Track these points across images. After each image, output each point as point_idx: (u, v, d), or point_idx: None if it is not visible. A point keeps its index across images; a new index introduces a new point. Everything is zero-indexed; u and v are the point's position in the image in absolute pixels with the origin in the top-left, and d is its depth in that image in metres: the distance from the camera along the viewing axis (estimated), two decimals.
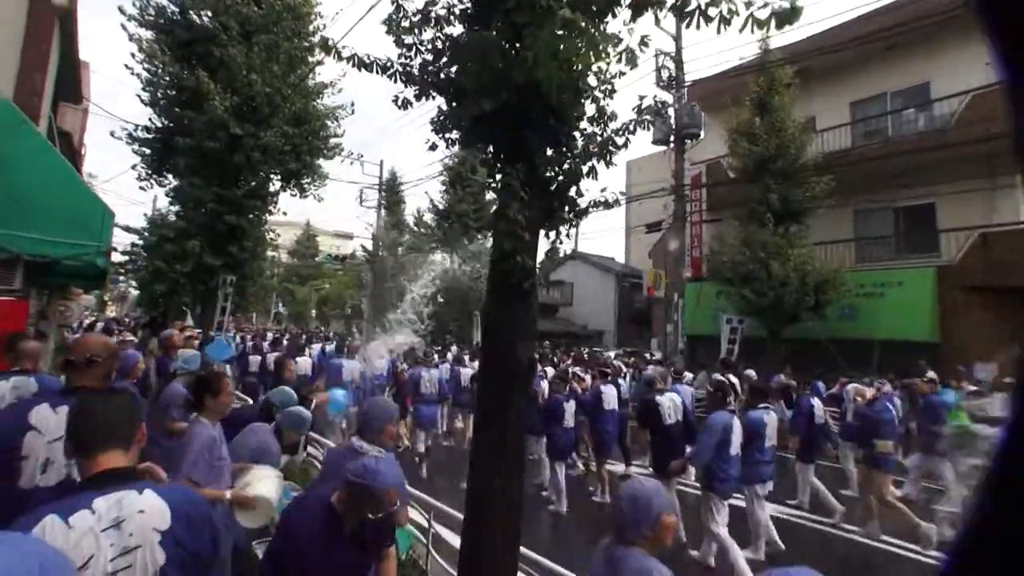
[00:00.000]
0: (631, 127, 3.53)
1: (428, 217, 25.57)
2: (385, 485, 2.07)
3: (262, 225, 12.47)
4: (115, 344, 3.54)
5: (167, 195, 12.32)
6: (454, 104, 3.61)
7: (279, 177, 12.17)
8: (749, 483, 5.26)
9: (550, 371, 10.03)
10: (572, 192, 3.56)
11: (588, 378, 8.26)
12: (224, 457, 3.03)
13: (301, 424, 4.79)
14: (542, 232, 3.45)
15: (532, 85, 3.06)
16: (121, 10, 11.06)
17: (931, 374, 10.69)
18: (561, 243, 3.75)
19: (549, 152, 3.47)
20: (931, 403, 7.55)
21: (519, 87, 3.08)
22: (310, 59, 12.31)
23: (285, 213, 12.89)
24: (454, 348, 18.14)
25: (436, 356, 11.52)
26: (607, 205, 3.88)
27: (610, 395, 7.25)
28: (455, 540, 3.75)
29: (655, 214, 34.05)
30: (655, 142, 17.91)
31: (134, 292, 33.63)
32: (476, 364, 10.34)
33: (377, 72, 3.58)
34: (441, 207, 24.97)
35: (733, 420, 5.06)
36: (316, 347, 11.62)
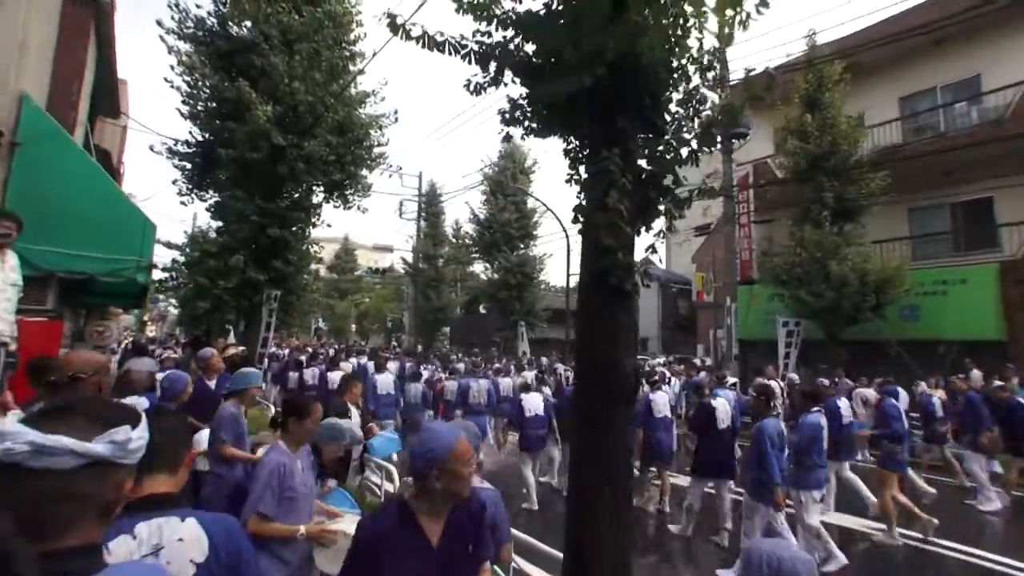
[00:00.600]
0: (740, 106, 2.99)
1: (469, 227, 25.02)
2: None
3: (306, 238, 12.04)
4: (103, 359, 3.25)
5: (208, 210, 12.04)
6: (533, 86, 3.09)
7: (322, 188, 11.73)
8: (804, 488, 5.14)
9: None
10: (669, 181, 3.02)
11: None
12: (299, 488, 2.70)
13: (338, 435, 4.11)
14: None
15: (630, 58, 2.59)
16: (159, 23, 10.86)
17: (976, 372, 11.13)
18: (664, 237, 3.16)
19: (642, 137, 2.98)
20: (972, 401, 7.93)
21: (613, 64, 2.56)
22: (351, 68, 11.90)
23: (329, 225, 12.49)
24: (501, 360, 17.44)
25: (484, 366, 11.41)
26: (711, 193, 3.57)
27: (660, 402, 7.19)
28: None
29: (694, 218, 33.02)
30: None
31: (173, 311, 34.22)
32: (525, 375, 10.03)
33: (449, 52, 3.02)
34: (482, 217, 24.39)
35: (781, 425, 5.05)
36: (352, 360, 11.26)
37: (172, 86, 11.02)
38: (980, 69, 13.88)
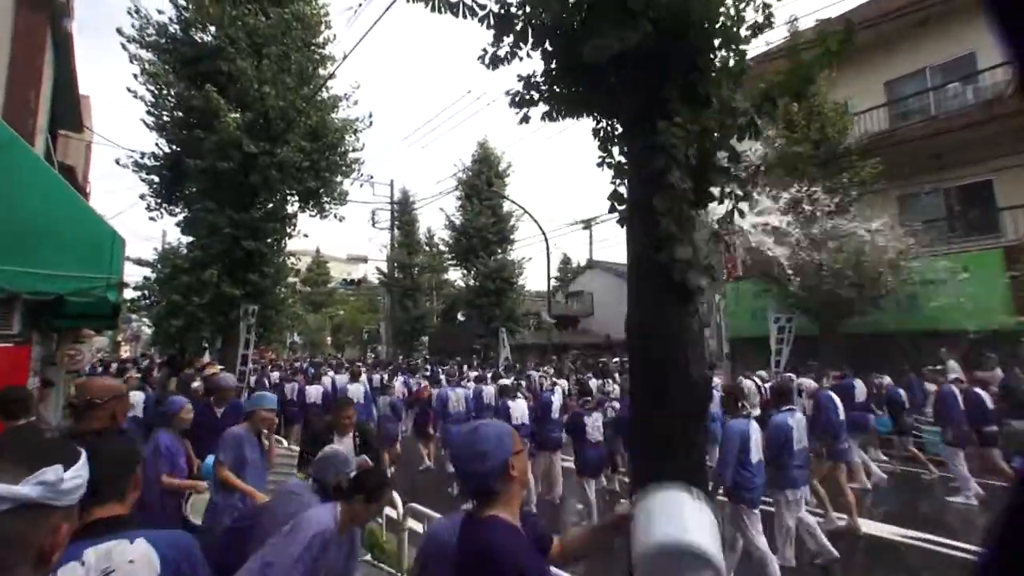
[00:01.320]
0: (808, 66, 2.70)
1: (445, 234, 24.71)
2: None
3: (282, 250, 11.62)
4: (121, 386, 3.15)
5: (177, 225, 11.52)
6: (562, 54, 2.82)
7: (296, 198, 11.34)
8: (779, 488, 5.09)
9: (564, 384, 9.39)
10: (723, 158, 2.74)
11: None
12: (333, 568, 2.32)
13: (340, 465, 3.88)
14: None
15: (678, 16, 2.35)
16: (120, 31, 10.38)
17: (952, 363, 10.80)
18: (729, 223, 2.88)
19: (689, 108, 2.66)
20: (943, 394, 8.00)
21: (657, 21, 2.32)
22: (321, 72, 11.57)
23: (306, 235, 12.08)
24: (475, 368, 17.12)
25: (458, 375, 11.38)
26: (779, 170, 3.35)
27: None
28: None
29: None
30: None
31: (147, 331, 33.01)
32: (502, 383, 9.51)
33: (465, 15, 2.73)
34: (457, 223, 24.11)
35: (750, 425, 4.84)
36: (330, 375, 11.05)
37: (136, 96, 10.53)
38: (974, 47, 13.47)
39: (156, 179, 11.26)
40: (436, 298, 31.64)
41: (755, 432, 4.84)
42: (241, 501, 3.81)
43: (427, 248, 30.78)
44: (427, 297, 29.77)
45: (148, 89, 10.41)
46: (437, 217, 56.65)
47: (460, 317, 28.95)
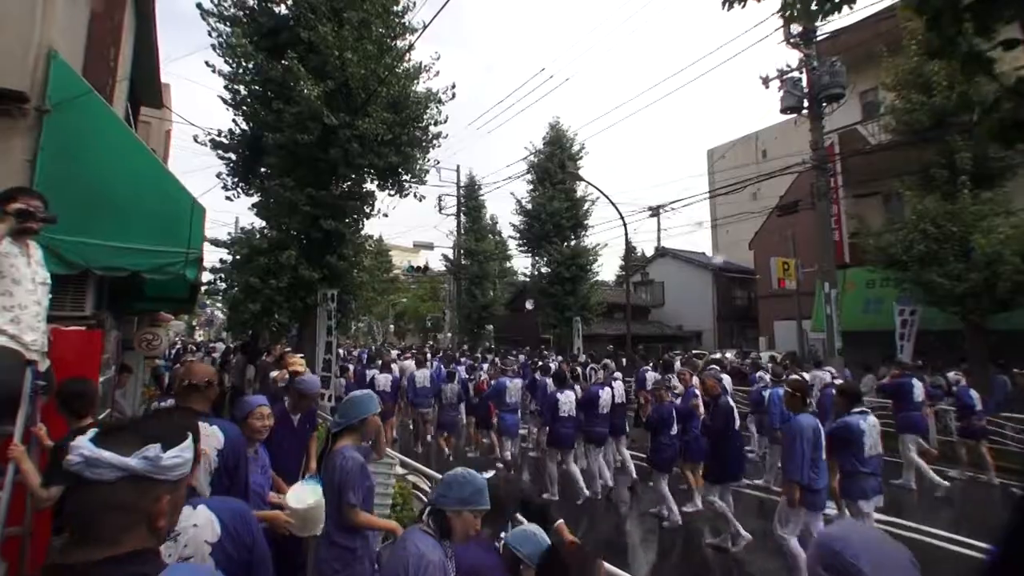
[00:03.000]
0: None
1: (516, 219, 23.75)
2: None
3: (359, 231, 10.93)
4: (213, 371, 3.03)
5: (251, 208, 11.02)
6: None
7: (374, 174, 10.60)
8: (851, 498, 4.87)
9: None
10: None
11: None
12: None
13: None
14: None
15: None
16: (199, 6, 9.87)
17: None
18: None
19: None
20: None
21: None
22: (399, 44, 10.74)
23: (386, 215, 11.32)
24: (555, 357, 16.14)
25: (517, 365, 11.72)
26: None
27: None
28: None
29: (738, 205, 31.19)
30: (785, 110, 15.24)
31: (219, 315, 33.86)
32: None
33: None
34: (529, 207, 23.10)
35: (817, 423, 4.78)
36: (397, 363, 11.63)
37: (214, 70, 10.02)
38: None
39: (233, 157, 10.77)
40: (498, 287, 30.84)
41: (821, 432, 4.75)
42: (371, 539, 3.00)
43: (491, 236, 30.01)
44: (494, 285, 29.01)
45: (226, 62, 9.86)
46: (504, 203, 55.68)
47: (528, 306, 28.04)
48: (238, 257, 10.10)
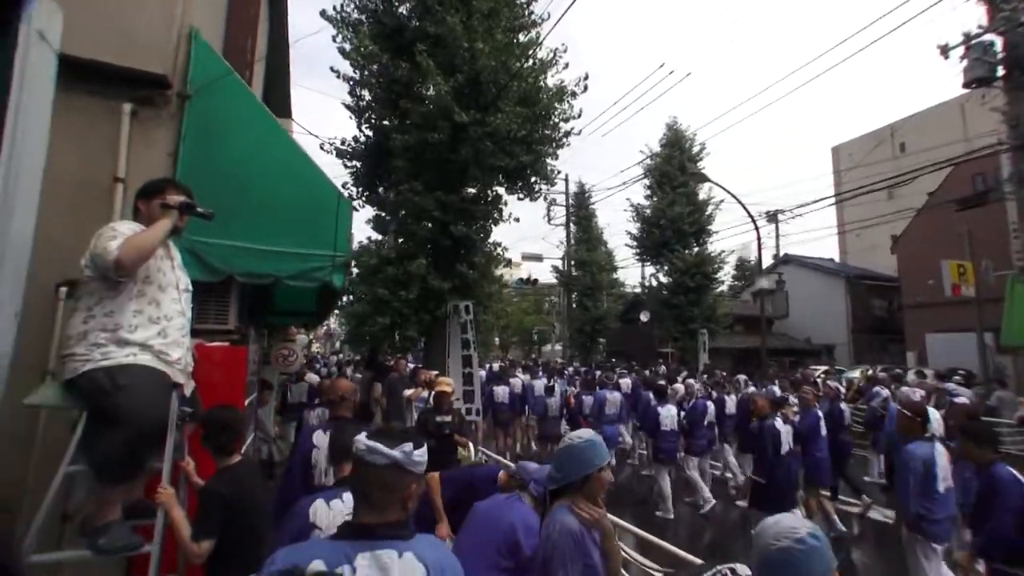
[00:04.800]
0: None
1: (632, 227, 22.36)
2: None
3: (488, 237, 10.19)
4: (354, 385, 3.45)
5: (368, 222, 10.59)
6: None
7: (504, 176, 9.82)
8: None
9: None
10: None
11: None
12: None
13: None
14: None
15: None
16: (323, 13, 9.65)
17: None
18: None
19: None
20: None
21: None
22: (522, 38, 9.94)
23: (518, 220, 10.52)
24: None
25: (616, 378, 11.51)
26: None
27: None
28: None
29: (866, 209, 27.61)
30: (970, 84, 12.83)
31: (334, 327, 35.06)
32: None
33: None
34: (647, 213, 21.63)
35: (935, 449, 4.21)
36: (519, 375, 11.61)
37: (339, 75, 9.75)
38: None
39: (358, 164, 10.44)
40: (607, 298, 29.41)
41: (940, 457, 4.23)
42: None
43: (602, 248, 28.75)
44: (607, 296, 27.66)
45: (352, 60, 9.52)
46: (613, 212, 54.10)
47: (642, 318, 26.39)
48: (364, 268, 9.66)
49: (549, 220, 26.97)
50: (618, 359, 26.32)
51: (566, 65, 9.98)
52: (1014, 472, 3.65)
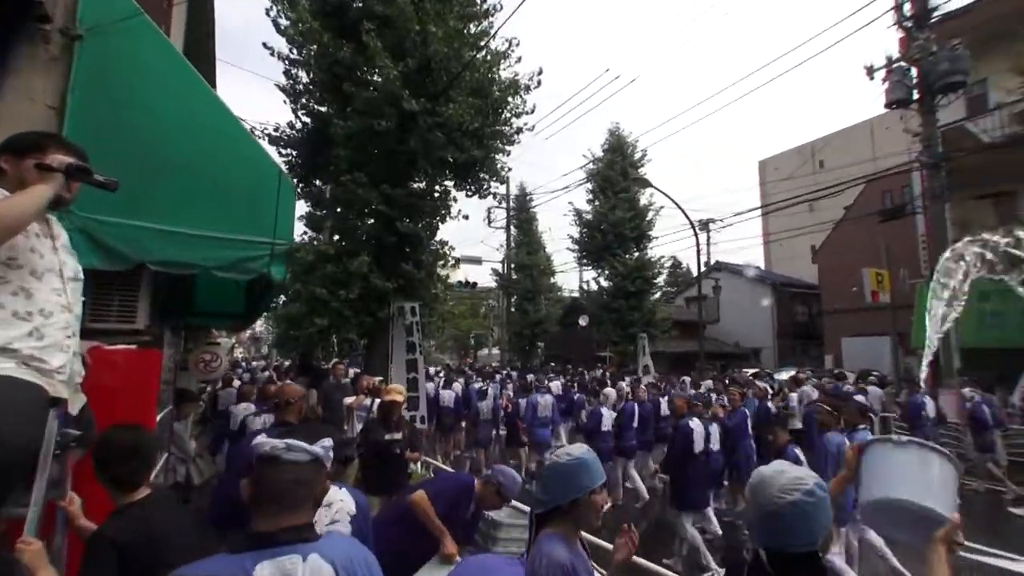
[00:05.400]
0: None
1: (574, 231, 22.30)
2: None
3: (435, 235, 9.60)
4: (302, 390, 3.23)
5: (302, 217, 9.79)
6: None
7: (453, 171, 9.29)
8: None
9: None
10: None
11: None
12: None
13: None
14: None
15: None
16: None
17: None
18: None
19: None
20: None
21: None
22: (474, 28, 9.48)
23: (467, 217, 9.98)
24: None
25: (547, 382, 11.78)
26: None
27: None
28: None
29: (788, 221, 29.19)
30: (891, 104, 13.54)
31: (261, 330, 33.08)
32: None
33: None
34: (589, 217, 21.63)
35: (844, 440, 4.53)
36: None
37: (273, 52, 8.90)
38: None
39: (294, 153, 9.60)
40: (546, 302, 29.35)
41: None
42: None
43: (542, 250, 28.64)
44: (546, 300, 27.51)
45: (289, 40, 8.72)
46: (557, 215, 54.18)
47: (581, 322, 26.42)
48: (299, 266, 8.84)
49: (489, 223, 26.57)
50: (557, 363, 26.25)
51: (519, 59, 9.58)
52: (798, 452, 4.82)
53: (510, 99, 9.37)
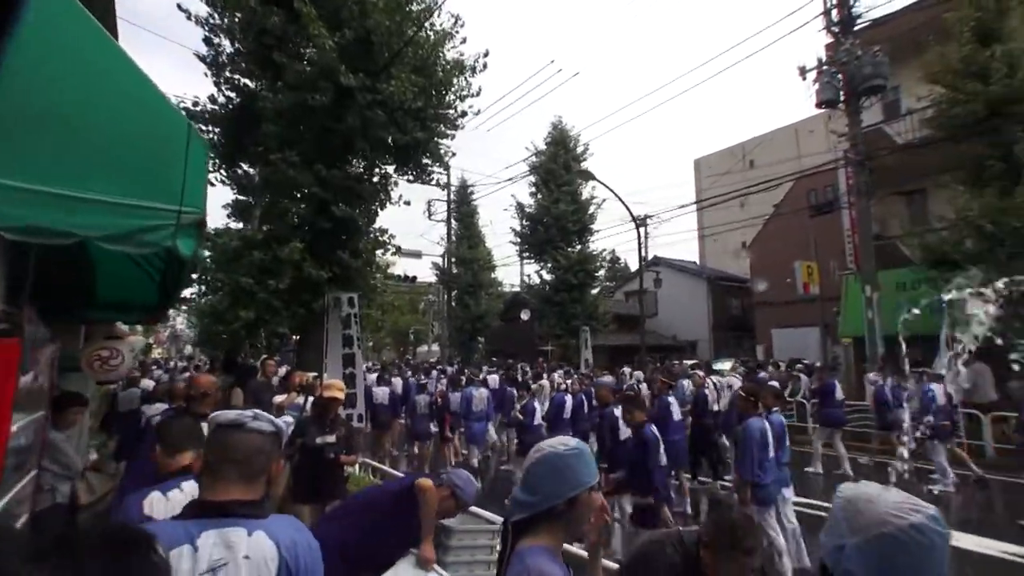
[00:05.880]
0: None
1: (516, 224, 22.02)
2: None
3: (373, 222, 8.99)
4: (215, 381, 3.16)
5: (226, 206, 8.99)
6: None
7: (394, 154, 8.73)
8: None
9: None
10: None
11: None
12: None
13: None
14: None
15: None
16: None
17: None
18: None
19: None
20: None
21: None
22: (415, 7, 8.96)
23: (408, 203, 9.40)
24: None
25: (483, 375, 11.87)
26: None
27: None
28: None
29: (721, 216, 30.39)
30: (821, 104, 14.10)
31: (184, 328, 30.92)
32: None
33: None
34: (532, 211, 21.41)
35: (765, 424, 4.93)
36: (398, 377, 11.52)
37: (189, 16, 8.04)
38: None
39: (216, 131, 8.76)
40: (487, 296, 29.03)
41: (769, 429, 4.91)
42: None
43: (483, 244, 28.23)
44: (487, 295, 27.12)
45: (210, 4, 7.90)
46: (497, 209, 53.55)
47: (523, 316, 26.20)
48: (223, 253, 8.05)
49: (430, 215, 25.90)
50: (499, 358, 25.94)
51: (464, 40, 9.11)
52: (655, 430, 5.02)
53: (455, 80, 8.90)
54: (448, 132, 8.99)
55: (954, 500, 7.85)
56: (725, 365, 20.82)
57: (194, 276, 8.46)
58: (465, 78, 9.00)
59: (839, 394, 10.06)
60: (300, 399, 5.91)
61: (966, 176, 11.94)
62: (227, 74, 8.61)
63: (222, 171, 9.19)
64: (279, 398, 5.91)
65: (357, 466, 5.87)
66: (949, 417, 9.12)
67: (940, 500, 7.63)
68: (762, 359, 24.20)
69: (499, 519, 3.94)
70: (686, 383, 9.98)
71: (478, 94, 9.00)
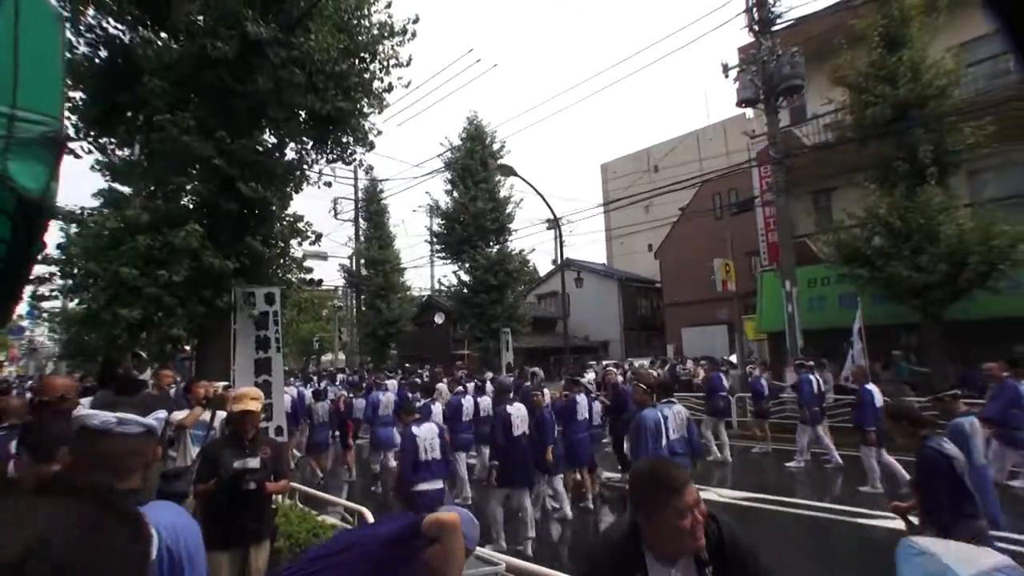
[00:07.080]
0: None
1: (432, 223, 20.99)
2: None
3: (288, 204, 7.72)
4: (73, 383, 2.95)
5: (105, 190, 7.40)
6: None
7: (312, 126, 7.56)
8: None
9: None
10: None
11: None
12: None
13: None
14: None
15: None
16: None
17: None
18: None
19: None
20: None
21: None
22: None
23: (329, 184, 8.18)
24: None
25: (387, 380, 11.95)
26: None
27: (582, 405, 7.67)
28: None
29: (627, 220, 31.47)
30: (741, 103, 14.46)
31: (46, 341, 26.69)
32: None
33: None
34: (448, 209, 20.48)
35: (659, 415, 4.99)
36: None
37: None
38: None
39: (81, 93, 7.10)
40: (399, 300, 27.68)
41: (670, 417, 5.02)
42: None
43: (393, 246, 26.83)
44: (398, 298, 25.76)
45: None
46: (407, 209, 51.72)
47: (437, 319, 25.15)
48: (97, 239, 6.48)
49: (336, 215, 24.20)
50: (413, 363, 24.69)
51: (388, 3, 8.10)
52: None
53: (381, 47, 7.87)
54: (375, 104, 7.94)
55: (800, 474, 9.08)
56: (644, 362, 21.12)
57: (56, 270, 6.78)
58: (392, 46, 8.01)
59: (766, 387, 11.59)
60: (207, 415, 4.70)
61: (876, 175, 12.62)
62: (90, 21, 6.95)
63: (91, 141, 7.47)
64: (178, 414, 4.66)
65: (284, 496, 4.75)
66: (819, 403, 9.78)
67: (794, 475, 8.97)
68: (671, 357, 24.96)
69: (502, 559, 3.12)
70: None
71: (408, 63, 8.04)
